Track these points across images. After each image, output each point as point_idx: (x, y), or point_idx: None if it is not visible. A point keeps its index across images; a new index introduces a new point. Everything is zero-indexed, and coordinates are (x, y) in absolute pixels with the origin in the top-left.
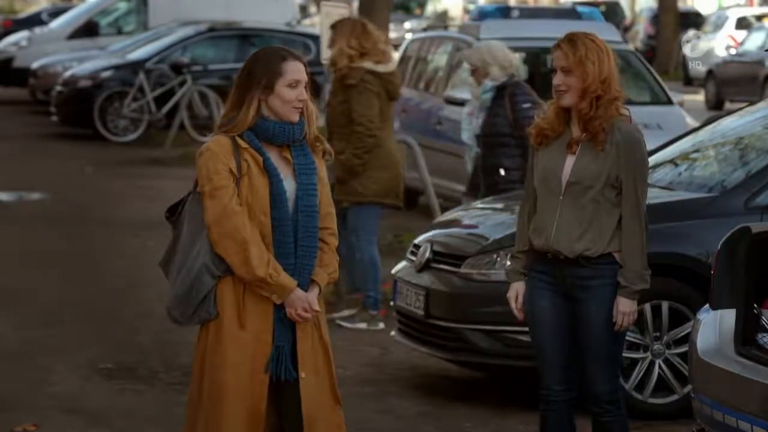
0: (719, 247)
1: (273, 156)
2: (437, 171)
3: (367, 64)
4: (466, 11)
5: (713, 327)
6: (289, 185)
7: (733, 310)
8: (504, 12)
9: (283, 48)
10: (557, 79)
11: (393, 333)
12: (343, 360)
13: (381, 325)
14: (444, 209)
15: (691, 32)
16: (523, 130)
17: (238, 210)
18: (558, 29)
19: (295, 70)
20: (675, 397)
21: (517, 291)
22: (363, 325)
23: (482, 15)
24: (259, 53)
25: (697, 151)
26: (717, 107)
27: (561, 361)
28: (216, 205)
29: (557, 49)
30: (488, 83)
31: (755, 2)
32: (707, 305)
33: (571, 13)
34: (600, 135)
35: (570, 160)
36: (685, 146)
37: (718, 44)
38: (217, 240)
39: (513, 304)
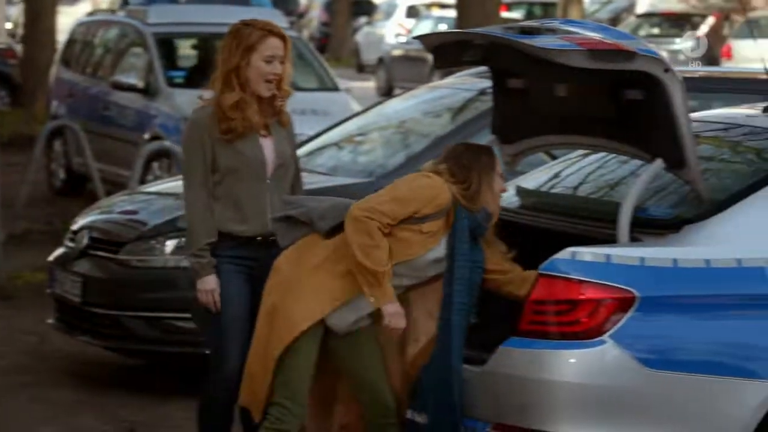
0: None
1: None
2: (105, 156)
3: None
4: None
5: None
6: None
7: None
8: None
9: None
10: (279, 69)
11: (50, 321)
12: None
13: None
14: (110, 195)
15: (362, 20)
16: None
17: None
18: (227, 15)
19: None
20: None
21: (215, 284)
22: None
23: None
24: None
25: (360, 135)
26: (387, 94)
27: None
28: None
29: (276, 37)
30: None
31: None
32: None
33: None
34: (284, 115)
35: (269, 144)
36: (348, 130)
37: (389, 32)
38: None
39: (215, 298)
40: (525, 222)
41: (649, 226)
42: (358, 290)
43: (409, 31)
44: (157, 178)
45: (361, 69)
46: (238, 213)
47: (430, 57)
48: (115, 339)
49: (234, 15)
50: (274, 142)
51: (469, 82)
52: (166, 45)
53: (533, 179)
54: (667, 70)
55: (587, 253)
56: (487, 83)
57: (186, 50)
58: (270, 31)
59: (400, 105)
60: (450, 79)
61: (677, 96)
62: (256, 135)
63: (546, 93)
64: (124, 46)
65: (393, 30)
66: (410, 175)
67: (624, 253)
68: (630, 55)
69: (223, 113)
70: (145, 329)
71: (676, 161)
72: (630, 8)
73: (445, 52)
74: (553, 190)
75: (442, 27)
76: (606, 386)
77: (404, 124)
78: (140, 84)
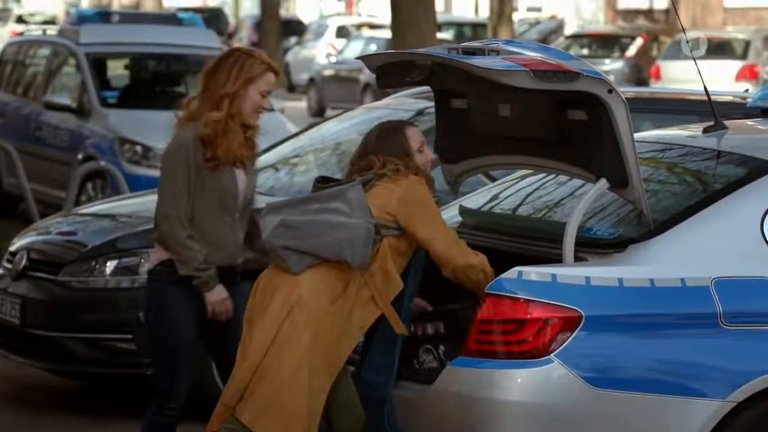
0: None
1: None
2: (38, 177)
3: None
4: (69, 14)
5: None
6: None
7: None
8: (104, 16)
9: None
10: (267, 103)
11: None
12: None
13: None
14: (44, 216)
15: (292, 40)
16: None
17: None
18: (160, 35)
19: None
20: None
21: (225, 292)
22: None
23: (82, 19)
24: None
25: (296, 156)
26: (319, 114)
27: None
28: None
29: (274, 73)
30: None
31: (354, 11)
32: None
33: (171, 19)
34: (256, 148)
35: (242, 177)
36: (284, 152)
37: (320, 52)
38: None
39: (229, 306)
40: (469, 242)
41: (594, 246)
42: (375, 315)
43: (340, 52)
44: (90, 198)
45: (292, 89)
46: (204, 242)
47: (361, 77)
48: (56, 361)
49: (166, 35)
50: (247, 176)
51: (406, 103)
52: (99, 65)
53: (476, 199)
54: (610, 90)
55: (533, 272)
56: (424, 104)
57: (118, 70)
58: (270, 65)
59: (336, 126)
60: (387, 100)
61: (621, 116)
62: (233, 167)
63: (489, 113)
64: (56, 66)
65: (323, 50)
66: (417, 193)
67: (570, 272)
68: (574, 75)
69: (208, 137)
70: (86, 351)
71: (619, 181)
72: (558, 29)
73: (389, 73)
74: (497, 210)
75: (373, 47)
76: (552, 405)
77: (341, 146)
78: (73, 104)
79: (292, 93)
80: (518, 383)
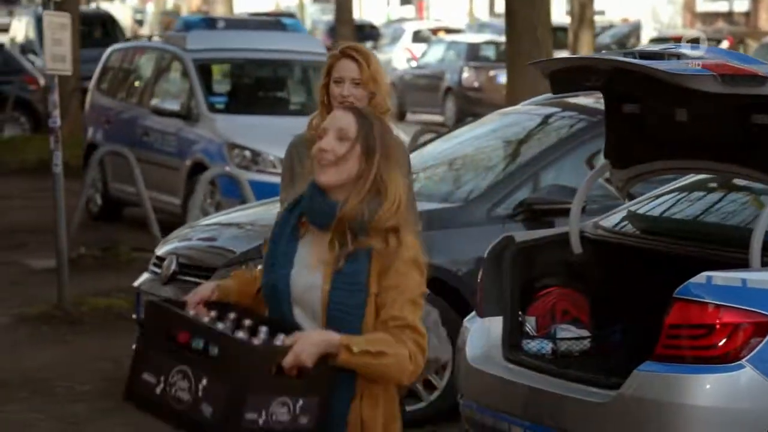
0: (486, 256)
1: None
2: (144, 181)
3: None
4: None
5: (481, 334)
6: None
7: (499, 317)
8: (209, 23)
9: None
10: (349, 91)
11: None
12: (76, 375)
13: None
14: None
15: (368, 44)
16: None
17: None
18: (264, 40)
19: None
20: (422, 404)
21: None
22: None
23: (188, 26)
24: None
25: (437, 163)
26: (399, 118)
27: None
28: None
29: (347, 58)
30: None
31: (425, 15)
32: (474, 313)
33: (276, 25)
34: None
35: None
36: (422, 159)
37: (396, 57)
38: None
39: None
40: (638, 245)
41: None
42: None
43: (419, 57)
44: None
45: None
46: None
47: (442, 83)
48: None
49: (271, 40)
50: None
51: (534, 109)
52: (205, 71)
53: (645, 205)
54: None
55: (721, 277)
56: (550, 110)
57: (224, 76)
58: (342, 52)
59: (473, 132)
60: (519, 106)
61: None
62: None
63: (665, 118)
64: (163, 72)
65: (402, 55)
66: None
67: (760, 277)
68: (762, 79)
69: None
70: None
71: None
72: (633, 33)
73: (562, 79)
74: (671, 216)
75: (452, 53)
76: (743, 410)
77: (480, 152)
78: (182, 110)
79: None
80: (707, 389)
